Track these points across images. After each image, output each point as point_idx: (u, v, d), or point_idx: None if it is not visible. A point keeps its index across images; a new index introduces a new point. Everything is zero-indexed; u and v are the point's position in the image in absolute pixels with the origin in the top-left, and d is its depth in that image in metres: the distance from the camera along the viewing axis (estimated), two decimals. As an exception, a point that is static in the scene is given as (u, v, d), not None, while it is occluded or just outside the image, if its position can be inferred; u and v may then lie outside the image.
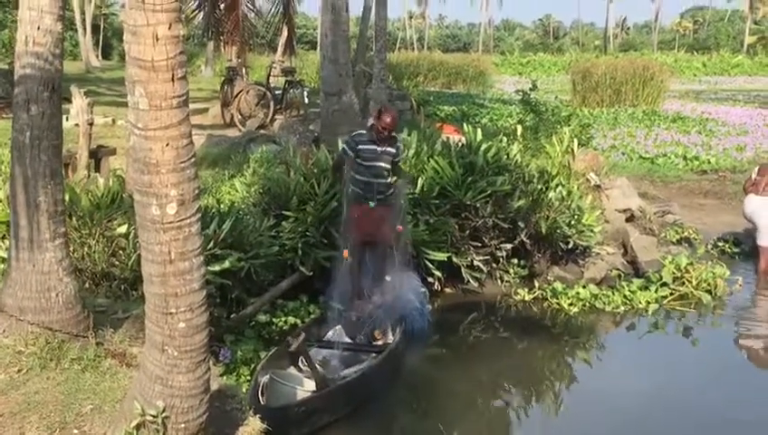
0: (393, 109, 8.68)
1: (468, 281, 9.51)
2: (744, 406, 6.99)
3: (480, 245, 9.56)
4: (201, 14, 20.21)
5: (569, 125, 15.41)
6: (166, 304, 3.86)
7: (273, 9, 20.95)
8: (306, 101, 19.52)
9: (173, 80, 3.60)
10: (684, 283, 9.65)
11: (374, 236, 7.98)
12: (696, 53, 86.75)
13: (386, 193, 8.10)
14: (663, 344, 8.74)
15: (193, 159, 3.78)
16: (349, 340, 7.65)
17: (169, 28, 3.55)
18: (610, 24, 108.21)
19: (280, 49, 24.35)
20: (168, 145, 3.65)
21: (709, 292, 9.58)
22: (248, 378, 6.66)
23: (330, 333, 7.73)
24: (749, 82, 65.81)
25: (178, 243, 3.77)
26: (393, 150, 8.08)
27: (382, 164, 8.03)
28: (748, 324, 9.48)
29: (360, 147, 7.98)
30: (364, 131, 8.20)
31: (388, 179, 8.13)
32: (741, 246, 11.71)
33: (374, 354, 7.23)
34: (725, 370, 7.85)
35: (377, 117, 8.03)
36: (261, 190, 9.52)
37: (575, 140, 11.49)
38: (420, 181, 9.40)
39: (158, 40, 3.54)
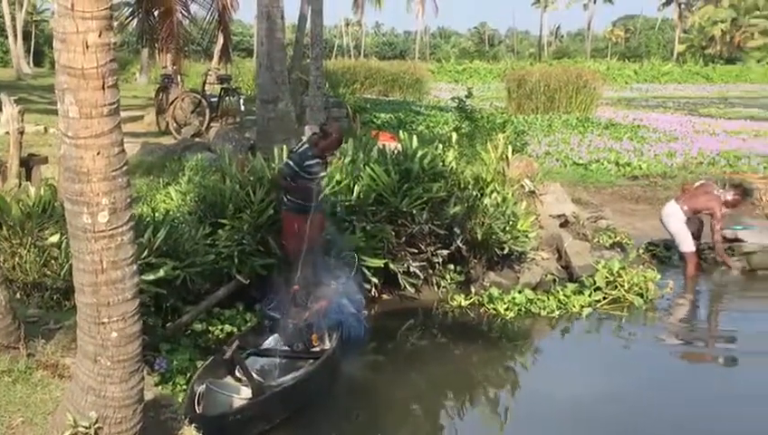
0: (338, 126, 8.75)
1: (405, 287, 9.55)
2: (676, 405, 7.14)
3: (416, 251, 9.61)
4: (135, 21, 20.00)
5: (504, 132, 15.52)
6: (98, 313, 3.82)
7: (208, 16, 20.77)
8: (242, 108, 19.44)
9: (103, 88, 3.56)
10: (616, 287, 9.81)
11: (311, 244, 7.99)
12: (627, 61, 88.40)
13: (321, 201, 8.18)
14: (597, 348, 8.89)
15: (125, 168, 3.75)
16: (286, 347, 7.63)
17: (99, 36, 3.51)
18: (544, 32, 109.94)
19: (216, 56, 24.17)
20: (99, 153, 3.61)
21: (641, 295, 9.76)
22: (184, 387, 6.60)
23: (267, 341, 7.70)
24: (679, 89, 67.26)
25: (110, 252, 3.73)
26: (326, 161, 8.22)
27: (321, 175, 8.16)
28: (677, 327, 9.72)
29: (307, 162, 8.09)
30: (308, 145, 8.25)
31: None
32: (671, 250, 11.93)
33: (311, 360, 7.23)
34: (657, 371, 8.00)
35: (324, 135, 8.11)
36: (196, 198, 9.45)
37: (510, 147, 11.61)
38: (357, 189, 9.43)
39: (87, 47, 3.50)
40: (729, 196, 11.26)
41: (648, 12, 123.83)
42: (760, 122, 31.65)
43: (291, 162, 8.19)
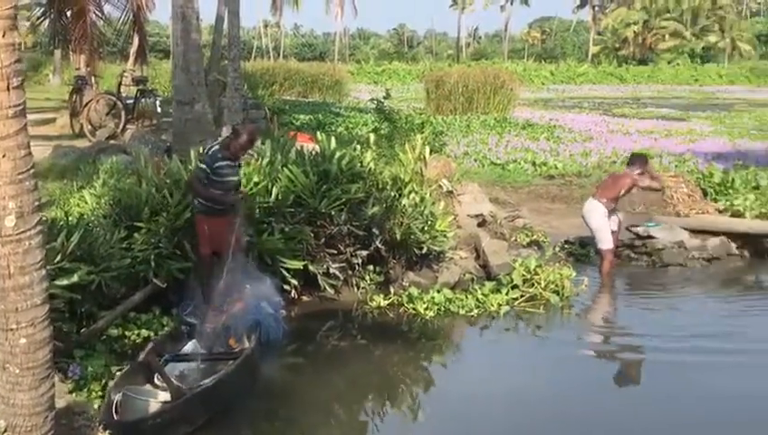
0: (251, 126, 8.71)
1: (325, 288, 9.54)
2: (590, 401, 7.30)
3: (336, 252, 9.61)
4: (47, 22, 19.57)
5: (422, 133, 15.65)
6: (6, 320, 3.74)
7: (123, 17, 20.44)
8: (159, 110, 19.18)
9: (8, 89, 3.50)
10: (533, 284, 9.94)
11: (226, 247, 7.94)
12: (544, 62, 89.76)
13: (235, 203, 8.14)
14: (515, 345, 9.02)
15: (32, 170, 3.68)
16: (204, 351, 7.56)
17: (3, 36, 3.45)
18: (462, 34, 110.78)
19: (131, 57, 23.79)
20: (4, 156, 3.54)
21: (557, 293, 9.91)
22: (100, 394, 6.50)
23: (186, 346, 7.62)
24: (594, 89, 68.60)
25: (18, 256, 3.66)
26: (241, 162, 8.19)
27: (235, 178, 8.12)
28: (592, 324, 9.93)
29: (218, 164, 8.02)
30: (218, 146, 8.19)
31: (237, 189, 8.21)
32: (587, 248, 12.16)
33: (230, 362, 7.18)
34: (572, 370, 8.12)
35: (235, 136, 8.06)
36: (111, 202, 9.30)
37: (428, 148, 11.69)
38: (275, 190, 9.39)
39: (-9, 48, 3.43)
40: (636, 169, 11.51)
41: (564, 14, 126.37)
42: (671, 122, 32.49)
43: (203, 165, 8.12)
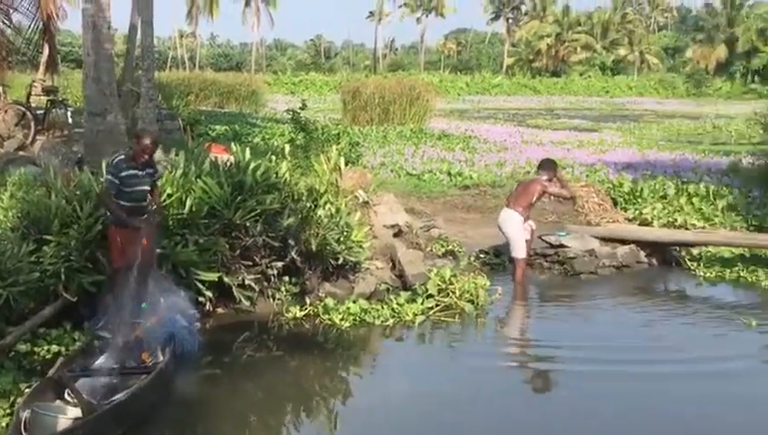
0: (152, 131, 8.63)
1: (240, 300, 9.48)
2: (502, 411, 7.39)
3: (251, 263, 9.57)
4: (-48, 30, 19.05)
5: (338, 143, 15.70)
6: None
7: (32, 25, 19.99)
8: (70, 121, 18.78)
9: None
10: (448, 294, 10.01)
11: (138, 258, 7.84)
12: (459, 74, 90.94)
13: (147, 214, 8.04)
14: (429, 355, 9.06)
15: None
16: (118, 366, 7.45)
17: None
18: (379, 45, 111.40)
19: (42, 67, 23.28)
20: None
21: (472, 302, 10.00)
22: (9, 412, 6.38)
23: (98, 360, 7.50)
24: (508, 101, 69.79)
25: None
26: (152, 171, 8.12)
27: (145, 188, 8.03)
28: (506, 332, 10.09)
29: (123, 174, 7.91)
30: (123, 156, 8.10)
31: (148, 200, 8.09)
32: (501, 257, 12.33)
33: (143, 376, 7.09)
34: (486, 378, 8.20)
35: (136, 141, 7.97)
36: (20, 214, 9.07)
37: (343, 159, 11.73)
38: (188, 202, 9.29)
39: None
40: (544, 176, 11.73)
41: (479, 26, 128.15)
42: (582, 133, 33.25)
43: (110, 176, 8.01)
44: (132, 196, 8.00)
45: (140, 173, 7.99)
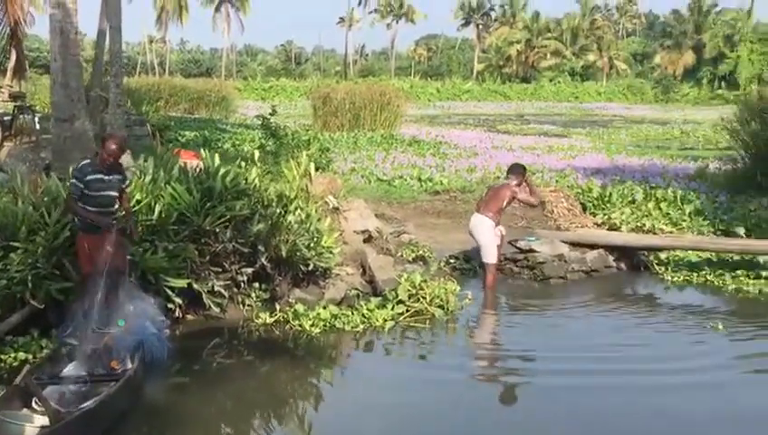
0: (118, 135, 8.56)
1: (210, 307, 9.45)
2: (466, 419, 7.39)
3: (221, 270, 9.54)
4: None
5: (309, 149, 15.69)
6: None
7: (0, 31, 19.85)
8: (37, 127, 18.63)
9: None
10: (419, 299, 10.02)
11: (108, 266, 7.78)
12: (430, 79, 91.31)
13: (115, 220, 7.98)
14: (399, 360, 9.04)
15: None
16: (86, 373, 7.40)
17: None
18: (350, 51, 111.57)
19: (9, 73, 23.11)
20: None
21: (442, 307, 10.02)
22: (-26, 420, 6.29)
23: (66, 368, 7.44)
24: (478, 106, 70.15)
25: None
26: (120, 177, 8.02)
27: (111, 193, 7.95)
28: (476, 339, 10.10)
29: (88, 178, 7.84)
30: (89, 160, 8.04)
31: (116, 206, 8.03)
32: (471, 262, 12.37)
33: (112, 383, 7.04)
34: (454, 385, 8.20)
35: (102, 144, 7.92)
36: (-14, 221, 9.00)
37: (313, 164, 11.72)
38: (157, 208, 9.25)
39: None
40: (514, 180, 11.77)
41: (449, 32, 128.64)
42: (552, 138, 33.48)
43: (74, 180, 7.95)
44: (98, 200, 7.91)
45: (106, 178, 7.91)
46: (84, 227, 7.98)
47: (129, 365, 7.51)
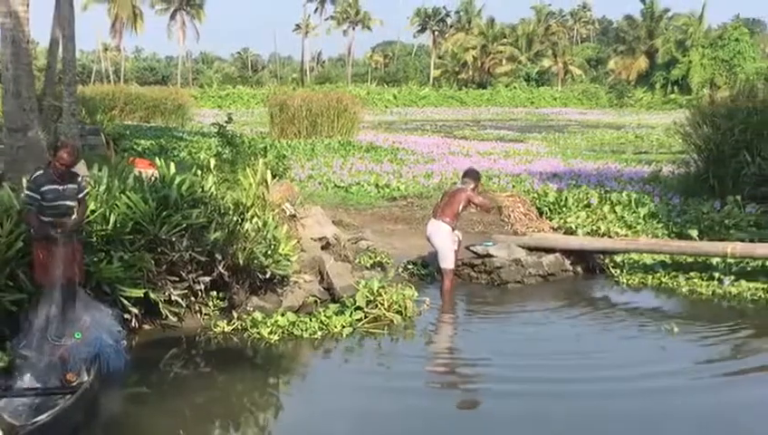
0: (70, 143, 8.44)
1: (167, 316, 9.39)
2: (424, 427, 7.43)
3: (178, 279, 9.48)
4: None
5: (266, 157, 15.65)
6: None
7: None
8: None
9: None
10: (377, 305, 10.05)
11: (63, 276, 7.70)
12: (387, 86, 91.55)
13: (72, 231, 7.88)
14: (358, 366, 9.05)
15: None
16: (41, 386, 7.32)
17: None
18: (306, 58, 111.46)
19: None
20: None
21: (400, 313, 10.06)
22: (-74, 435, 6.20)
23: (21, 380, 7.35)
24: (435, 112, 70.49)
25: None
26: (75, 186, 7.91)
27: (67, 202, 7.84)
28: (434, 342, 10.16)
29: (43, 188, 7.73)
30: (43, 171, 7.95)
31: (74, 217, 7.92)
32: (429, 268, 12.42)
33: (68, 396, 6.97)
34: (414, 388, 8.28)
35: (53, 153, 7.83)
36: (-63, 233, 8.85)
37: (269, 172, 11.69)
38: (113, 217, 9.16)
39: None
40: (470, 185, 11.89)
41: (405, 38, 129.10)
42: (509, 143, 33.70)
43: (29, 191, 7.85)
44: (53, 211, 7.79)
45: (61, 188, 7.81)
46: (39, 237, 7.87)
47: (85, 377, 7.45)
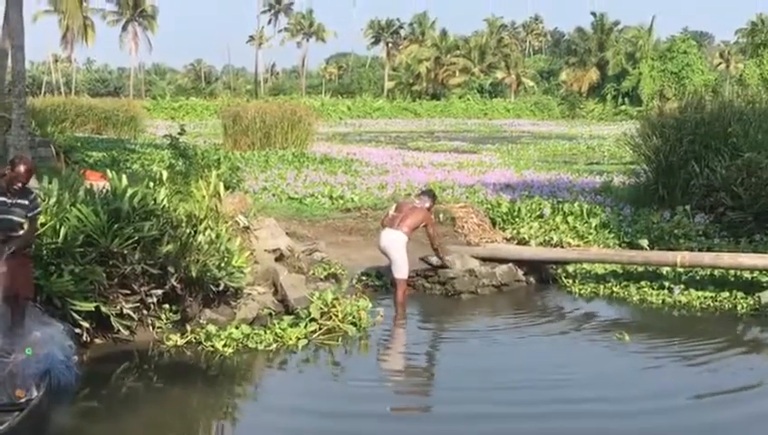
0: (28, 159, 8.29)
1: (119, 330, 9.27)
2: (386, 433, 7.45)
3: (129, 292, 9.38)
4: None
5: (219, 168, 15.55)
6: None
7: None
8: (-63, 149, 18.11)
9: None
10: (331, 317, 10.06)
11: (10, 291, 7.57)
12: (341, 97, 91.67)
13: (19, 246, 7.74)
14: (313, 378, 9.02)
15: None
16: (-12, 402, 7.20)
17: None
18: (260, 69, 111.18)
19: None
20: None
21: (354, 324, 10.06)
22: None
23: (-33, 397, 7.23)
24: (389, 123, 70.66)
25: None
26: (26, 202, 7.75)
27: (14, 218, 7.67)
28: (388, 353, 10.20)
29: None
30: None
31: (21, 232, 7.77)
32: (383, 279, 12.45)
33: (16, 413, 6.86)
34: (372, 398, 8.30)
35: (10, 168, 7.71)
36: None
37: (222, 184, 11.63)
38: (63, 230, 9.05)
39: None
40: (427, 203, 12.06)
41: (359, 50, 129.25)
42: (462, 154, 33.88)
43: None
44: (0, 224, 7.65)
45: (9, 201, 7.65)
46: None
47: (35, 393, 7.33)
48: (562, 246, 13.86)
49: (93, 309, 8.96)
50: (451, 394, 8.49)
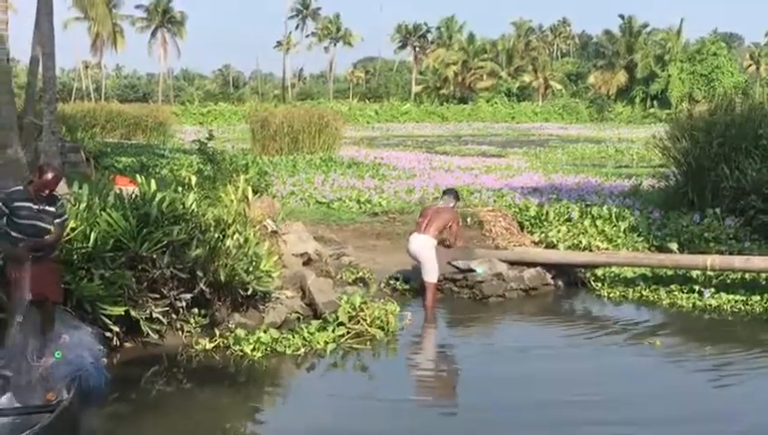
0: (56, 167, 8.37)
1: (148, 334, 9.33)
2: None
3: (159, 296, 9.44)
4: None
5: (247, 173, 15.63)
6: None
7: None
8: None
9: None
10: (359, 321, 10.05)
11: (40, 295, 7.64)
12: (368, 102, 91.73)
13: (47, 251, 7.81)
14: (343, 382, 9.05)
15: None
16: (20, 405, 7.26)
17: None
18: (288, 75, 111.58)
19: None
20: None
21: (382, 328, 10.06)
22: None
23: (0, 400, 7.30)
24: (417, 128, 70.59)
25: None
26: (53, 209, 7.80)
27: (42, 224, 7.71)
28: (416, 357, 10.16)
29: (16, 203, 7.63)
30: (21, 187, 7.88)
31: (47, 238, 7.83)
32: (410, 283, 12.44)
33: (47, 415, 6.91)
34: (397, 405, 8.25)
35: (38, 174, 7.77)
36: None
37: (250, 188, 11.69)
38: (93, 235, 9.13)
39: None
40: (451, 202, 12.15)
41: (387, 54, 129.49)
42: (490, 158, 33.81)
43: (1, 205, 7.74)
44: (23, 229, 7.66)
45: (35, 207, 7.67)
46: (13, 256, 7.77)
47: (65, 396, 7.39)
48: (591, 250, 13.78)
49: (123, 313, 9.03)
50: (479, 400, 8.45)
